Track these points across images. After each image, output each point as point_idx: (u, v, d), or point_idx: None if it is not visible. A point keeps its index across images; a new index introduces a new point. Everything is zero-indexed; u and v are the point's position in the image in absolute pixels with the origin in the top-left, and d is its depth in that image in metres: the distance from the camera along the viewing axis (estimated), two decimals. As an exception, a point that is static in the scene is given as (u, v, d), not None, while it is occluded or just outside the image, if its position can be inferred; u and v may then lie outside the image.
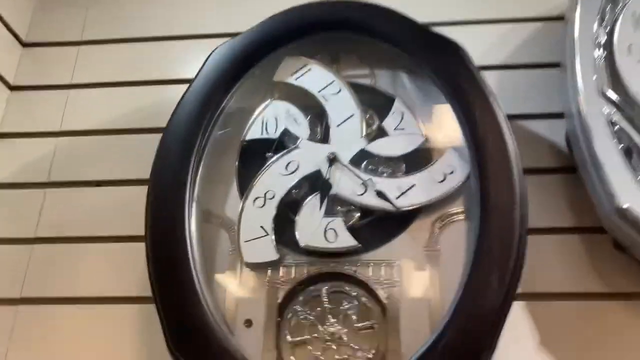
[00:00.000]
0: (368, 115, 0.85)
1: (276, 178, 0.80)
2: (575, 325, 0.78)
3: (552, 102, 0.89)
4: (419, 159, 0.81)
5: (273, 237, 0.77)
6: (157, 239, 0.75)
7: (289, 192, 0.80)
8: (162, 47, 1.01)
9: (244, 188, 0.81)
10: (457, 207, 0.78)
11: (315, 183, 0.80)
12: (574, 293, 0.80)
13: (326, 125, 0.84)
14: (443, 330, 0.67)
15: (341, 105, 0.85)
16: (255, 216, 0.78)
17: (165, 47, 1.01)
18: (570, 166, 0.86)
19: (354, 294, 0.74)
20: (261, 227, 0.77)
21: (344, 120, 0.84)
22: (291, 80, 0.87)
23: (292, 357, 0.72)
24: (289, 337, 0.73)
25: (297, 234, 0.77)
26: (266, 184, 0.80)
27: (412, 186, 0.78)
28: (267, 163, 0.82)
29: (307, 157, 0.82)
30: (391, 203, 0.77)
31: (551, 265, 0.80)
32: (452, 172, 0.78)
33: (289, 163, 0.81)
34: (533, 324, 0.77)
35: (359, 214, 0.78)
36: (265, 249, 0.76)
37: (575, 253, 0.82)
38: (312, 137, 0.84)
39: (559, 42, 0.86)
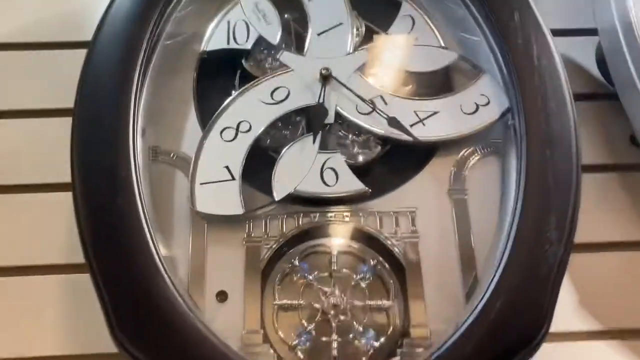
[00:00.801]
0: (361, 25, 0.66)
1: (255, 106, 0.60)
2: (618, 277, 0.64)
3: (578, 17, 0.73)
4: (435, 82, 0.63)
5: (239, 182, 0.57)
6: (90, 185, 0.54)
7: (273, 124, 0.60)
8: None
9: (205, 116, 0.60)
10: (489, 139, 0.61)
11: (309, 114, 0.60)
12: (616, 242, 0.66)
13: (300, 33, 0.65)
14: (491, 296, 0.51)
15: (328, 9, 0.65)
16: (220, 152, 0.58)
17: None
18: (604, 93, 0.72)
19: (363, 255, 0.56)
20: (226, 167, 0.57)
21: (329, 29, 0.64)
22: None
23: (280, 334, 0.54)
24: (276, 302, 0.54)
25: (284, 175, 0.57)
26: (240, 112, 0.60)
27: (434, 113, 0.60)
28: (243, 87, 0.61)
29: (298, 79, 0.61)
30: (407, 132, 0.58)
31: (588, 210, 0.65)
32: (486, 104, 0.60)
33: (275, 89, 0.61)
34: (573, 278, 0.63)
35: (363, 149, 0.60)
36: (227, 198, 0.56)
37: (615, 194, 0.68)
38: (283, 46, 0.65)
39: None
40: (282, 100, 0.60)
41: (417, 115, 0.59)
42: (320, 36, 0.64)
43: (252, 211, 0.56)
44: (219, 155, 0.58)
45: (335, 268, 0.55)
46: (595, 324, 0.64)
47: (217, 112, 0.60)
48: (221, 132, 0.58)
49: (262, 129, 0.59)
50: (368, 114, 0.60)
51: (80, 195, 0.53)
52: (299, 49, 0.64)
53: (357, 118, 0.60)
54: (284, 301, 0.54)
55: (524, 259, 0.52)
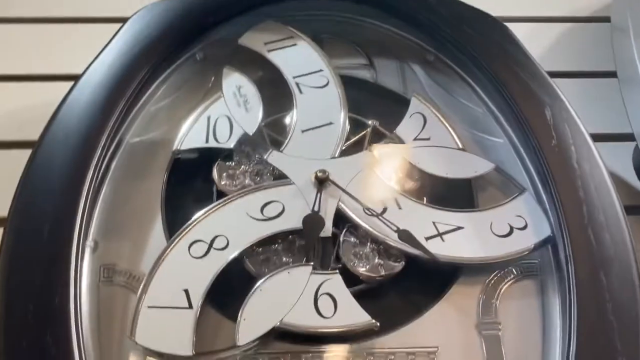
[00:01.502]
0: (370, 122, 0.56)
1: (239, 220, 0.49)
2: None
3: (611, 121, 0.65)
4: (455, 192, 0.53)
5: (196, 313, 0.44)
6: (14, 315, 0.41)
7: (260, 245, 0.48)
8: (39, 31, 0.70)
9: (175, 228, 0.49)
10: (524, 261, 0.49)
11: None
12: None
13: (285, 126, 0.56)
14: None
15: (320, 104, 0.56)
16: (182, 270, 0.46)
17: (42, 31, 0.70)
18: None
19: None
20: (185, 291, 0.45)
21: (317, 127, 0.55)
22: (262, 49, 0.58)
23: None
24: None
25: (266, 302, 0.45)
26: (218, 225, 0.48)
27: (458, 229, 0.49)
28: (228, 196, 0.50)
29: (296, 194, 0.50)
30: (422, 248, 0.47)
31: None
32: (523, 228, 0.49)
33: (268, 203, 0.49)
34: None
35: (367, 268, 0.48)
36: (176, 332, 0.43)
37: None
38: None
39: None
40: (273, 217, 0.49)
41: (436, 228, 0.48)
42: (305, 134, 0.55)
43: (207, 354, 0.43)
44: (180, 274, 0.46)
45: None
46: None
47: (189, 222, 0.49)
48: (190, 246, 0.47)
49: (242, 249, 0.47)
50: (378, 215, 0.48)
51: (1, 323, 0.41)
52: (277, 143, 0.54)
53: (366, 222, 0.49)
54: None
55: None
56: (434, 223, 0.49)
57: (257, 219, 0.49)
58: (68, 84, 0.53)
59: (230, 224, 0.49)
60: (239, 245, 0.47)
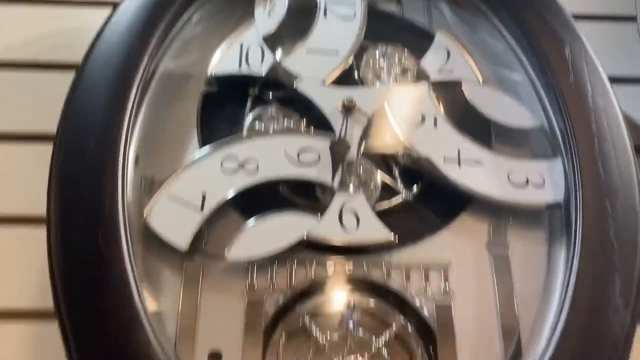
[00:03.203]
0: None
1: (275, 154, 0.52)
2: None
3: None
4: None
5: (204, 217, 0.48)
6: (68, 221, 0.45)
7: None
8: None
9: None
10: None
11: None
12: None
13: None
14: (544, 373, 0.41)
15: (336, 33, 0.58)
16: (208, 177, 0.50)
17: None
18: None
19: (385, 316, 0.47)
20: (202, 194, 0.49)
21: (322, 51, 0.57)
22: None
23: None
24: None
25: (295, 217, 0.49)
26: (254, 151, 0.52)
27: (477, 162, 0.52)
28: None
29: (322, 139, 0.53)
30: (441, 175, 0.51)
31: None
32: (539, 185, 0.51)
33: (305, 149, 0.52)
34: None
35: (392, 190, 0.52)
36: (181, 226, 0.48)
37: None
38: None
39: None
40: (307, 164, 0.52)
41: (458, 154, 0.52)
42: (309, 53, 0.57)
43: (198, 254, 0.48)
44: (205, 180, 0.50)
45: (351, 329, 0.46)
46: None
47: (227, 138, 0.52)
48: (222, 160, 0.51)
49: (269, 179, 0.51)
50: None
51: (55, 232, 0.45)
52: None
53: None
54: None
55: (583, 330, 0.43)
56: (458, 150, 0.52)
57: (292, 161, 0.52)
58: (107, 10, 0.56)
59: (266, 155, 0.52)
60: (267, 175, 0.51)
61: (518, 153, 0.54)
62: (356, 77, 0.57)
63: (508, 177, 0.52)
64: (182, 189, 0.49)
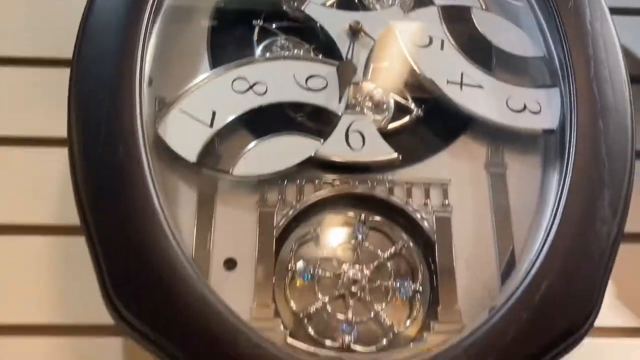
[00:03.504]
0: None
1: (284, 78, 0.53)
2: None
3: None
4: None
5: (212, 133, 0.51)
6: (89, 136, 0.47)
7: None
8: None
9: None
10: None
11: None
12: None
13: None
14: (535, 278, 0.45)
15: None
16: (219, 96, 0.52)
17: None
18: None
19: (389, 230, 0.51)
20: (213, 112, 0.51)
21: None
22: None
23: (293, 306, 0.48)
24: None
25: (304, 138, 0.52)
26: (264, 73, 0.53)
27: (478, 87, 0.54)
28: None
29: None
30: (442, 91, 0.53)
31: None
32: (536, 112, 0.53)
33: (313, 76, 0.54)
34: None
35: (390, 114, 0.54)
36: (190, 139, 0.50)
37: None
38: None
39: None
40: (314, 90, 0.53)
41: (461, 77, 0.54)
42: None
43: (205, 167, 0.50)
44: (216, 98, 0.52)
45: (360, 241, 0.50)
46: (635, 321, 0.58)
47: (239, 61, 0.54)
48: (233, 81, 0.53)
49: (277, 101, 0.53)
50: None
51: (77, 148, 0.47)
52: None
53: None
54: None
55: (573, 238, 0.46)
56: (462, 73, 0.54)
57: (301, 85, 0.53)
58: None
59: (276, 78, 0.53)
60: (276, 97, 0.53)
61: (517, 80, 0.56)
62: (356, 1, 0.59)
63: (506, 103, 0.54)
64: (193, 105, 0.51)
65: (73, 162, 0.47)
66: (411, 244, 0.50)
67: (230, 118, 0.52)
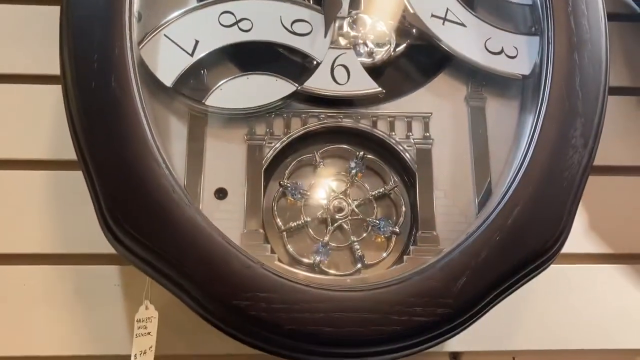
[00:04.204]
0: None
1: (270, 18, 0.54)
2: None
3: None
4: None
5: (192, 62, 0.52)
6: (83, 66, 0.48)
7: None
8: None
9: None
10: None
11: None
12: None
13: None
14: (509, 201, 0.48)
15: None
16: (204, 27, 0.53)
17: None
18: (628, 14, 0.68)
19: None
20: (195, 40, 0.52)
21: None
22: None
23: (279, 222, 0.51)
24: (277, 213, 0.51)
25: (281, 79, 0.53)
26: (250, 10, 0.54)
27: (461, 25, 0.55)
28: None
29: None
30: (424, 25, 0.54)
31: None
32: (513, 57, 0.55)
33: (299, 20, 0.54)
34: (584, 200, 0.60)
35: (376, 48, 0.56)
36: (170, 64, 0.51)
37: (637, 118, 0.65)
38: None
39: None
40: (300, 34, 0.54)
41: (446, 12, 0.55)
42: None
43: (177, 94, 0.52)
44: (201, 29, 0.53)
45: (352, 174, 0.53)
46: (604, 247, 0.62)
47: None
48: (220, 14, 0.53)
49: (261, 39, 0.53)
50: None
51: (71, 79, 0.48)
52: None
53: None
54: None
55: (546, 164, 0.49)
56: (447, 8, 0.55)
57: (286, 28, 0.54)
58: None
59: (262, 18, 0.54)
60: (260, 36, 0.53)
61: (500, 24, 0.57)
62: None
63: (485, 44, 0.55)
64: (176, 32, 0.52)
65: (67, 94, 0.49)
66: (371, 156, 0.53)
67: (211, 49, 0.53)
